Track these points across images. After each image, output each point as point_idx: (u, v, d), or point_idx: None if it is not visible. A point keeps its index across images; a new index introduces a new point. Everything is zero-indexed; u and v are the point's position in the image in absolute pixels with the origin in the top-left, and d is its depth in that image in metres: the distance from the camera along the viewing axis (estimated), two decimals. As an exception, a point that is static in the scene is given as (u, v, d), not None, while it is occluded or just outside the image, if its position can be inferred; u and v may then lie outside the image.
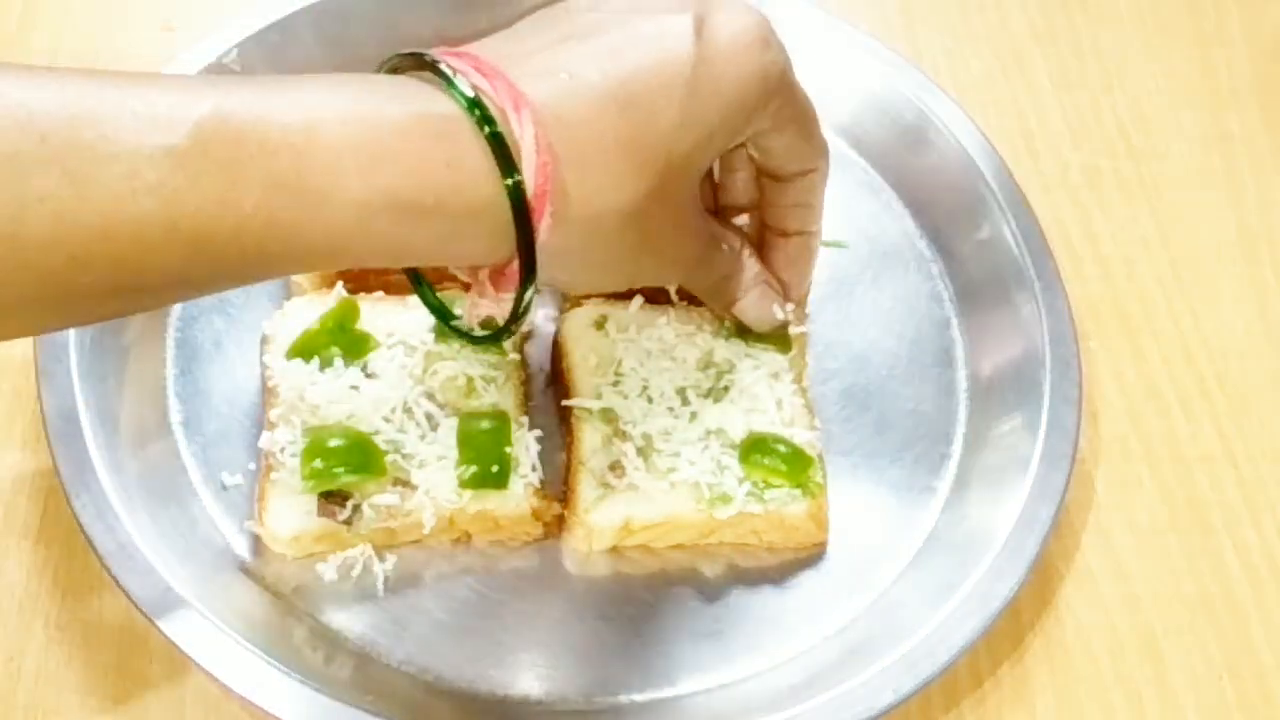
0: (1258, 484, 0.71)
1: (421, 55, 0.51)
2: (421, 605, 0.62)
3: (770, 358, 0.68)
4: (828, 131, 0.79)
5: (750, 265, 0.64)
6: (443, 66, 0.50)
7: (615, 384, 0.66)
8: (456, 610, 0.62)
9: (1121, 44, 0.88)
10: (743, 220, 0.66)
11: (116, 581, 0.58)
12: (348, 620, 0.62)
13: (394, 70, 0.53)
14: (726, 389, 0.67)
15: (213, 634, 0.57)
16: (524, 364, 0.68)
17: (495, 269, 0.54)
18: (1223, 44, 0.88)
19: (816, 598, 0.65)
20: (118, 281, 0.46)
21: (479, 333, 0.58)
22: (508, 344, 0.67)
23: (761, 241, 0.65)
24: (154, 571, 0.59)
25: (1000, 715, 0.63)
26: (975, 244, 0.75)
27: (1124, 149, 0.83)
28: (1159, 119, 0.85)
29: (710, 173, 0.65)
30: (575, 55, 0.52)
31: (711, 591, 0.64)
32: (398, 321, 0.67)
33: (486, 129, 0.49)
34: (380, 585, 0.62)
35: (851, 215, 0.77)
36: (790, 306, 0.66)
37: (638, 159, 0.52)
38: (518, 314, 0.55)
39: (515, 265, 0.52)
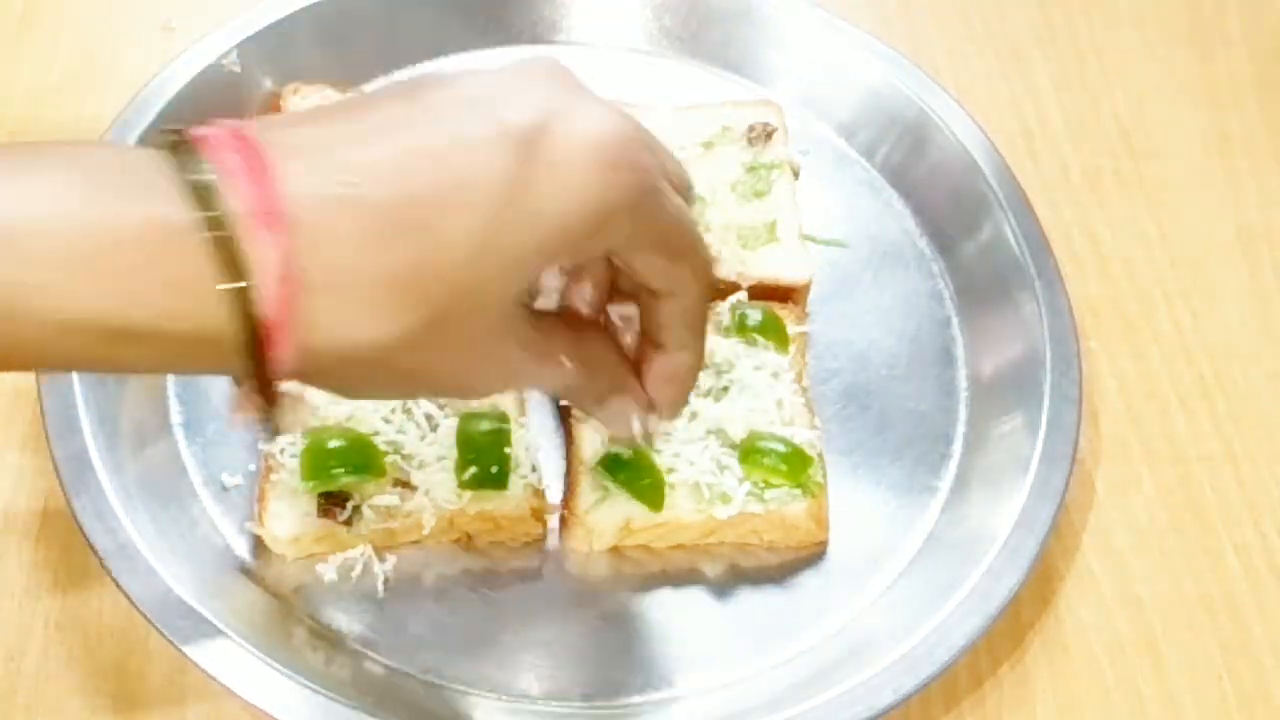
0: (1258, 484, 0.71)
1: (185, 135, 0.45)
2: (421, 606, 0.62)
3: (770, 358, 0.68)
4: (828, 131, 0.80)
5: (602, 376, 0.55)
6: (198, 160, 0.44)
7: (615, 384, 0.66)
8: (456, 610, 0.62)
9: (1121, 44, 0.88)
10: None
11: (116, 581, 0.58)
12: (348, 620, 0.62)
13: (165, 145, 0.45)
14: (726, 389, 0.67)
15: (213, 634, 0.57)
16: (524, 364, 0.68)
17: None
18: (1223, 44, 0.88)
19: (816, 598, 0.65)
20: None
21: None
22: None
23: (640, 354, 0.56)
24: (154, 571, 0.59)
25: (1000, 715, 0.63)
26: (976, 243, 0.75)
27: (1124, 149, 0.83)
28: (1159, 119, 0.85)
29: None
30: (373, 158, 0.45)
31: (712, 591, 0.64)
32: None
33: (218, 252, 0.43)
34: (380, 586, 0.62)
35: (851, 215, 0.77)
36: (653, 421, 0.57)
37: (409, 293, 0.45)
38: (269, 412, 0.49)
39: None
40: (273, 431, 0.54)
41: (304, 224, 0.44)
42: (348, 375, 0.48)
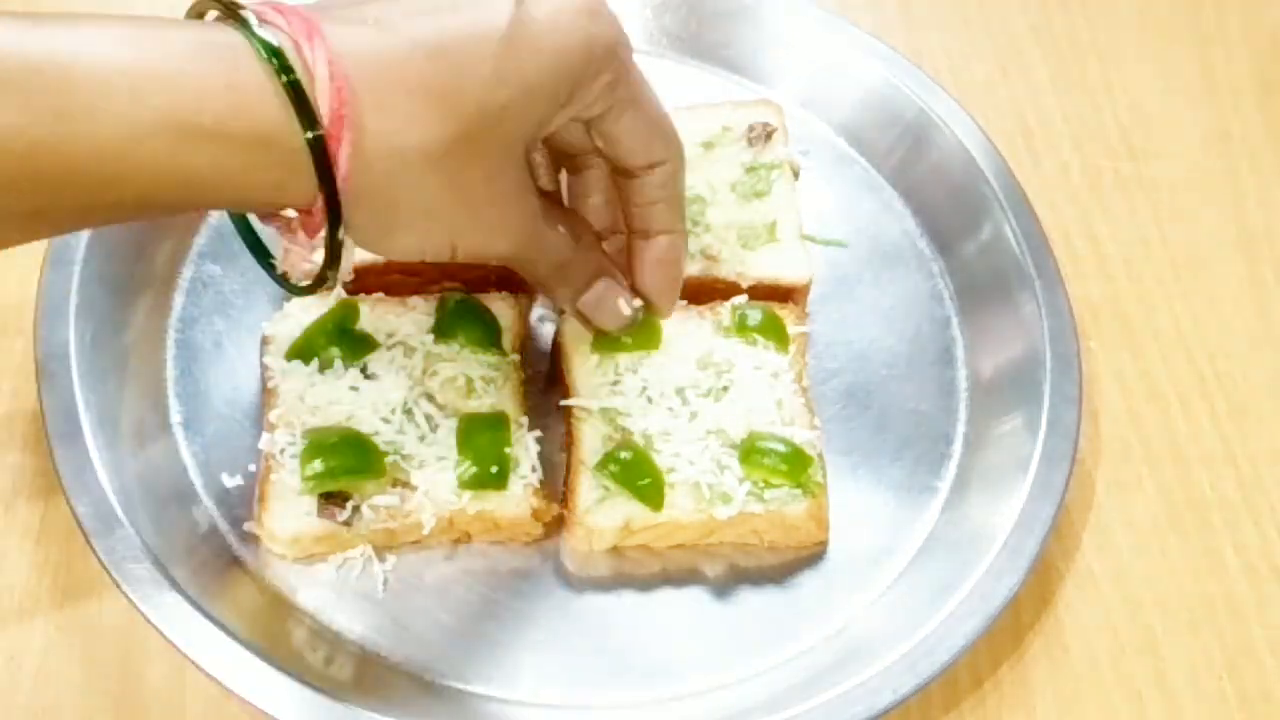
0: (1258, 484, 0.71)
1: (223, 2, 0.50)
2: (421, 605, 0.62)
3: (770, 358, 0.68)
4: (828, 131, 0.80)
5: (593, 257, 0.61)
6: (239, 8, 0.49)
7: (615, 384, 0.66)
8: (456, 610, 0.62)
9: (1121, 44, 0.88)
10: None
11: (116, 582, 0.58)
12: (348, 620, 0.62)
13: (199, 14, 0.51)
14: (726, 389, 0.67)
15: (213, 634, 0.57)
16: (524, 364, 0.68)
17: (303, 212, 0.52)
18: (1223, 44, 0.88)
19: (816, 598, 0.65)
20: None
21: (301, 283, 0.56)
22: (507, 344, 0.67)
23: (629, 250, 0.62)
24: (154, 571, 0.59)
25: (1000, 715, 0.63)
26: (976, 243, 0.75)
27: (1124, 149, 0.83)
28: (1159, 119, 0.85)
29: (557, 172, 0.63)
30: (387, 7, 0.52)
31: (712, 591, 0.64)
32: (398, 322, 0.67)
33: (267, 53, 0.48)
34: (380, 586, 0.63)
35: (852, 214, 0.77)
36: (638, 303, 0.62)
37: (443, 103, 0.51)
38: (331, 260, 0.53)
39: (320, 205, 0.50)
40: (331, 277, 0.54)
41: (344, 44, 0.49)
42: (397, 191, 0.52)
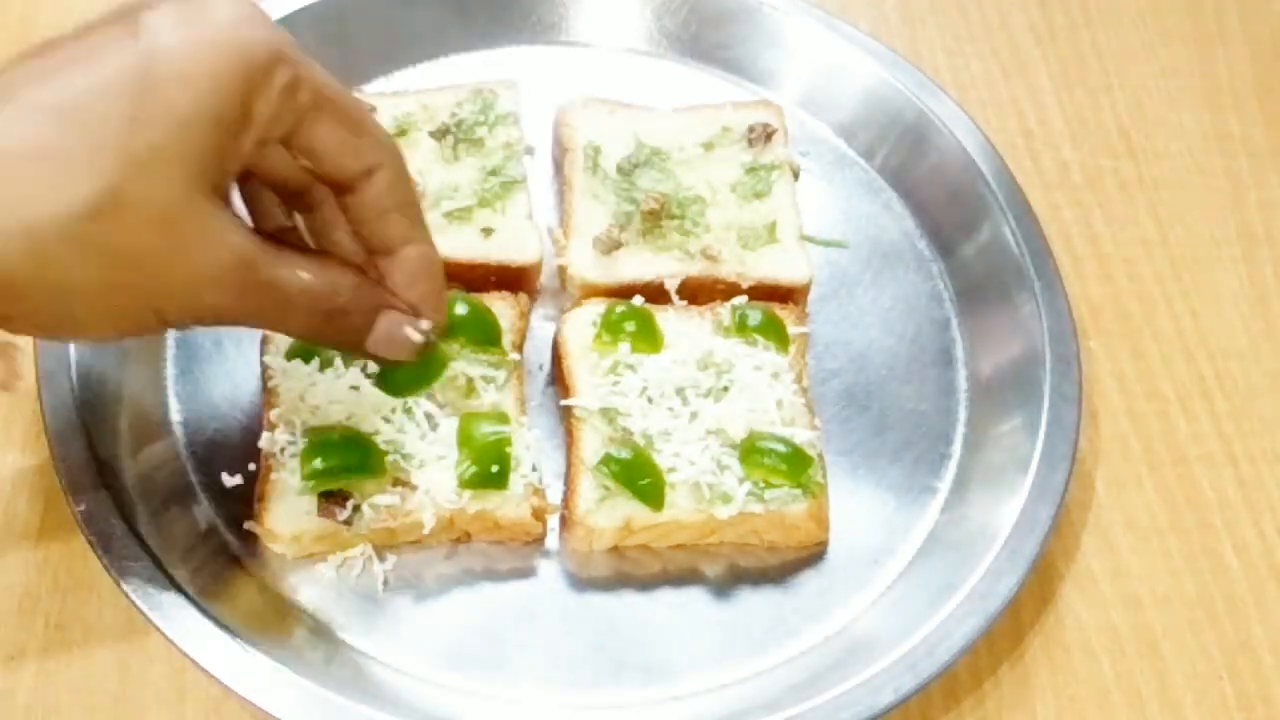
0: (1258, 484, 0.71)
1: None
2: (422, 605, 0.62)
3: (770, 358, 0.68)
4: (828, 131, 0.80)
5: (363, 294, 0.55)
6: None
7: (615, 384, 0.66)
8: (456, 610, 0.62)
9: (1121, 44, 0.88)
10: None
11: (116, 582, 0.58)
12: (348, 620, 0.62)
13: None
14: (726, 389, 0.67)
15: (213, 634, 0.57)
16: (524, 364, 0.68)
17: None
18: (1223, 44, 0.88)
19: (817, 598, 0.65)
20: None
21: None
22: (507, 344, 0.67)
23: (380, 273, 0.56)
24: (154, 571, 0.59)
25: (1000, 715, 0.63)
26: (975, 244, 0.75)
27: (1124, 149, 0.83)
28: (1159, 119, 0.85)
29: (289, 216, 0.57)
30: (21, 76, 0.48)
31: (712, 591, 0.64)
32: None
33: None
34: (380, 585, 0.62)
35: (851, 215, 0.77)
36: (425, 324, 0.57)
37: (79, 166, 0.47)
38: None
39: None
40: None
41: None
42: (50, 275, 0.47)
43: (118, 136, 0.47)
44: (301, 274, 0.53)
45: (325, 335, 0.56)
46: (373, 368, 0.64)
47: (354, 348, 0.57)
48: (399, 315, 0.56)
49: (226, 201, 0.51)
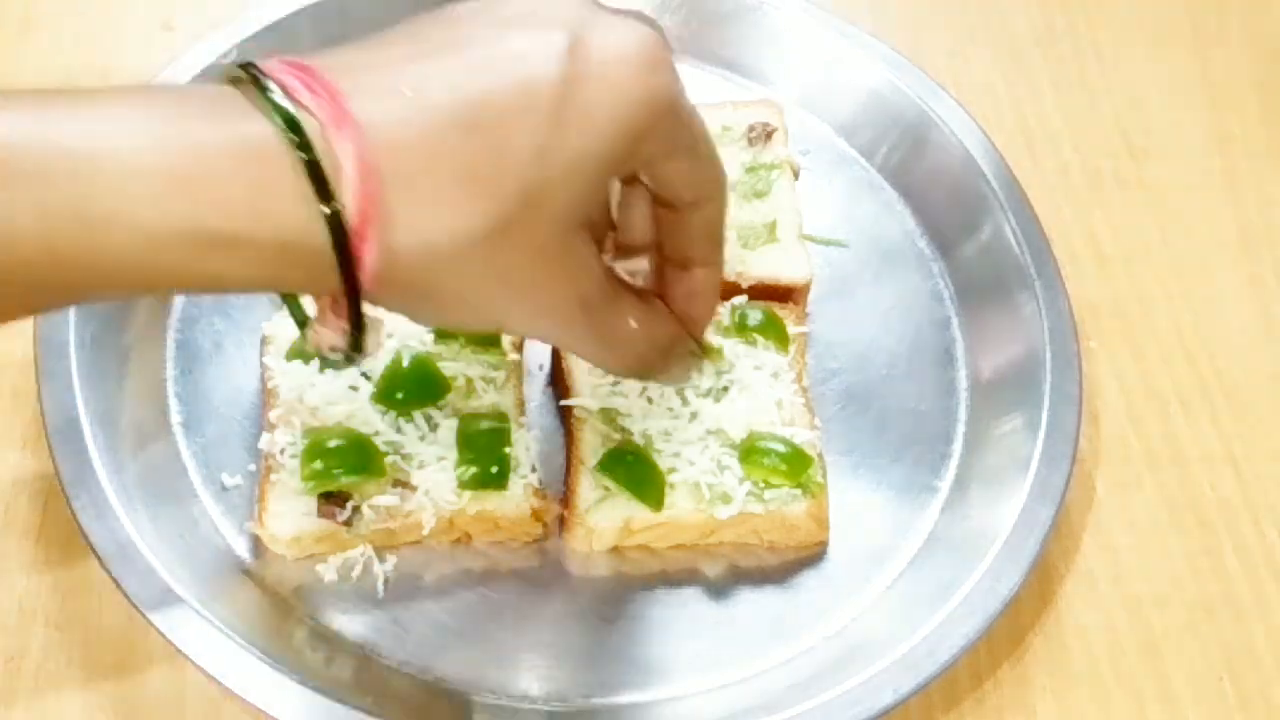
0: (1258, 484, 0.71)
1: (250, 66, 0.47)
2: (421, 606, 0.62)
3: (770, 358, 0.68)
4: (828, 131, 0.80)
5: (667, 325, 0.57)
6: (264, 80, 0.46)
7: (615, 384, 0.66)
8: (456, 611, 0.62)
9: (1121, 44, 0.88)
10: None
11: (116, 582, 0.58)
12: (348, 621, 0.62)
13: (231, 80, 0.47)
14: (726, 389, 0.67)
15: (213, 634, 0.57)
16: (524, 364, 0.68)
17: (332, 296, 0.49)
18: (1223, 44, 0.88)
19: (816, 598, 0.65)
20: None
21: (330, 357, 0.52)
22: (507, 344, 0.67)
23: (661, 276, 0.58)
24: (154, 571, 0.59)
25: (1000, 715, 0.63)
26: (976, 243, 0.75)
27: (1124, 149, 0.83)
28: (1159, 119, 0.85)
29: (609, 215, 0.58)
30: (426, 72, 0.47)
31: (712, 591, 0.64)
32: (398, 322, 0.67)
33: (300, 151, 0.45)
34: (380, 586, 0.62)
35: (852, 215, 0.77)
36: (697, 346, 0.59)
37: (481, 186, 0.47)
38: (354, 345, 0.50)
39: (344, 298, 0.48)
40: (358, 357, 0.51)
41: (374, 125, 0.45)
42: (432, 283, 0.48)
43: (522, 166, 0.47)
44: (630, 322, 0.54)
45: (627, 369, 0.57)
46: (375, 379, 0.64)
47: (641, 376, 0.60)
48: (687, 350, 0.58)
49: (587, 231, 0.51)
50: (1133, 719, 0.64)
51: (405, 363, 0.65)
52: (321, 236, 0.45)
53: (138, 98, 0.46)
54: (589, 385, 0.66)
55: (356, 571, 0.63)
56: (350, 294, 0.47)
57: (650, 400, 0.66)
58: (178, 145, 0.45)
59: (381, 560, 0.63)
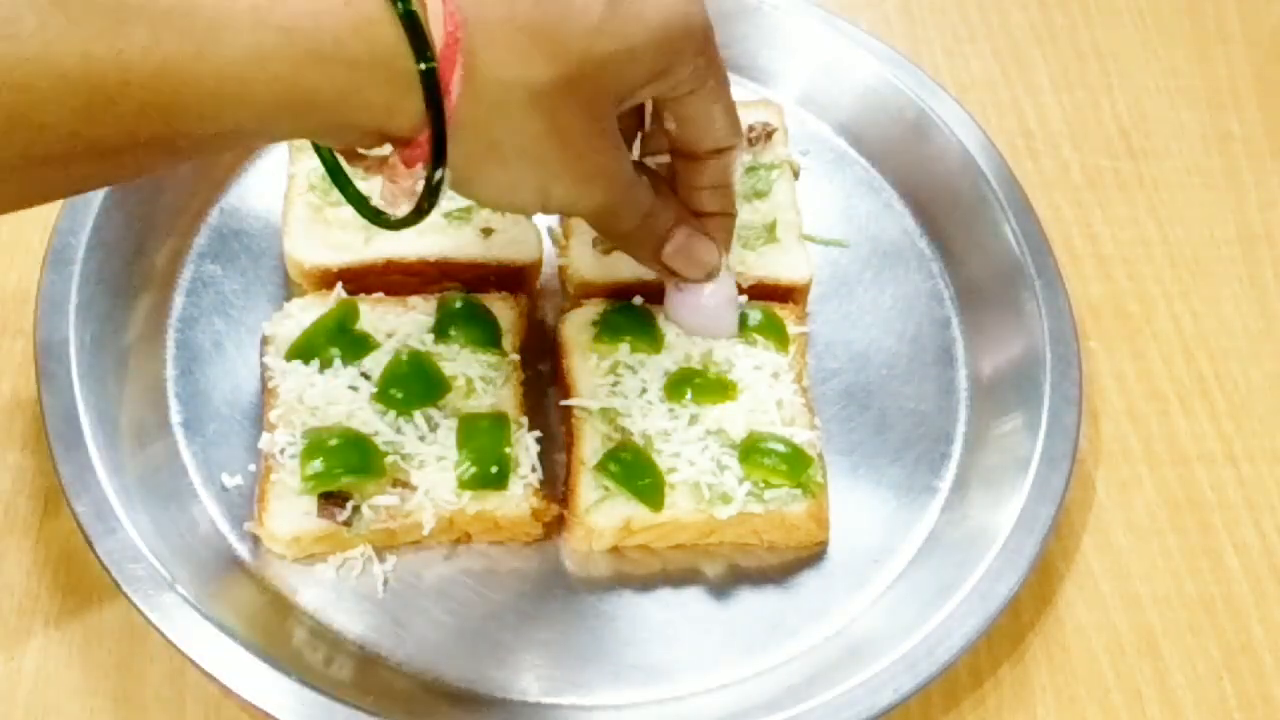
0: (1258, 484, 0.71)
1: None
2: (421, 606, 0.62)
3: (770, 358, 0.68)
4: (828, 131, 0.80)
5: (671, 205, 0.64)
6: None
7: (615, 384, 0.66)
8: (456, 610, 0.62)
9: (1121, 44, 0.88)
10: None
11: (116, 582, 0.58)
12: (348, 621, 0.62)
13: None
14: (727, 389, 0.67)
15: (213, 634, 0.57)
16: (524, 364, 0.68)
17: (404, 142, 0.52)
18: (1223, 44, 0.88)
19: (817, 598, 0.65)
20: (17, 143, 0.44)
21: (398, 216, 0.56)
22: (507, 344, 0.67)
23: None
24: (154, 571, 0.59)
25: (1000, 715, 0.63)
26: (976, 243, 0.75)
27: (1124, 149, 0.83)
28: (1159, 119, 0.85)
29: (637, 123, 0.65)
30: None
31: (712, 591, 0.64)
32: (397, 322, 0.67)
33: None
34: (380, 586, 0.62)
35: (852, 214, 0.77)
36: (725, 256, 0.66)
37: (550, 44, 0.53)
38: (431, 193, 0.53)
39: (425, 136, 0.51)
40: (426, 211, 0.54)
41: None
42: (498, 127, 0.53)
43: (584, 36, 0.54)
44: (646, 183, 0.62)
45: (634, 235, 0.63)
46: (375, 378, 0.64)
47: (650, 255, 0.64)
48: (696, 233, 0.64)
49: None
50: (1133, 719, 0.64)
51: (405, 363, 0.65)
52: (408, 58, 0.49)
53: None
54: (589, 385, 0.66)
55: (356, 571, 0.63)
56: (435, 121, 0.50)
57: (650, 400, 0.66)
58: None
59: (381, 560, 0.63)
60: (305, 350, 0.65)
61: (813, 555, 0.66)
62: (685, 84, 0.59)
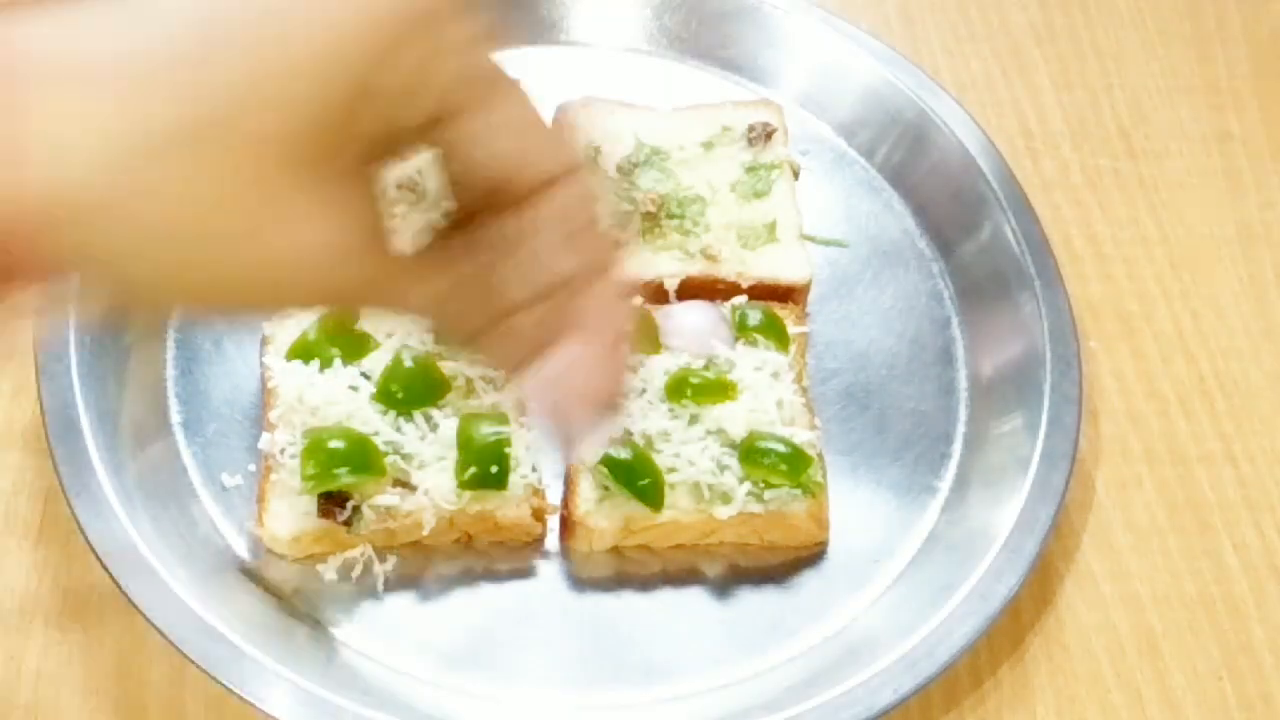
0: (1258, 484, 0.71)
1: None
2: (422, 605, 0.62)
3: (770, 358, 0.68)
4: (828, 131, 0.80)
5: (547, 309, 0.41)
6: None
7: (615, 384, 0.66)
8: (456, 610, 0.62)
9: (1121, 44, 0.88)
10: None
11: (116, 581, 0.58)
12: (348, 620, 0.62)
13: None
14: (727, 390, 0.67)
15: (213, 634, 0.57)
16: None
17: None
18: (1223, 43, 0.88)
19: (816, 598, 0.65)
20: None
21: None
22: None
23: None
24: (154, 571, 0.59)
25: (1000, 715, 0.63)
26: (975, 243, 0.75)
27: (1124, 149, 0.83)
28: (1159, 119, 0.85)
29: None
30: None
31: (712, 591, 0.64)
32: (397, 322, 0.67)
33: None
34: (380, 586, 0.62)
35: (851, 214, 0.77)
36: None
37: (169, 81, 0.37)
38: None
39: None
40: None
41: (17, 23, 0.36)
42: (112, 217, 0.37)
43: (230, 63, 0.37)
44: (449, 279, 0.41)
45: (461, 339, 0.43)
46: (375, 379, 0.64)
47: (502, 366, 0.45)
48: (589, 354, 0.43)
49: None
50: (1133, 719, 0.64)
51: (405, 363, 0.65)
52: None
53: None
54: (589, 385, 0.66)
55: (356, 571, 0.63)
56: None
57: (650, 401, 0.66)
58: None
59: (382, 560, 0.63)
60: (305, 350, 0.65)
61: (813, 555, 0.66)
62: (411, 104, 0.39)
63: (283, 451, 0.63)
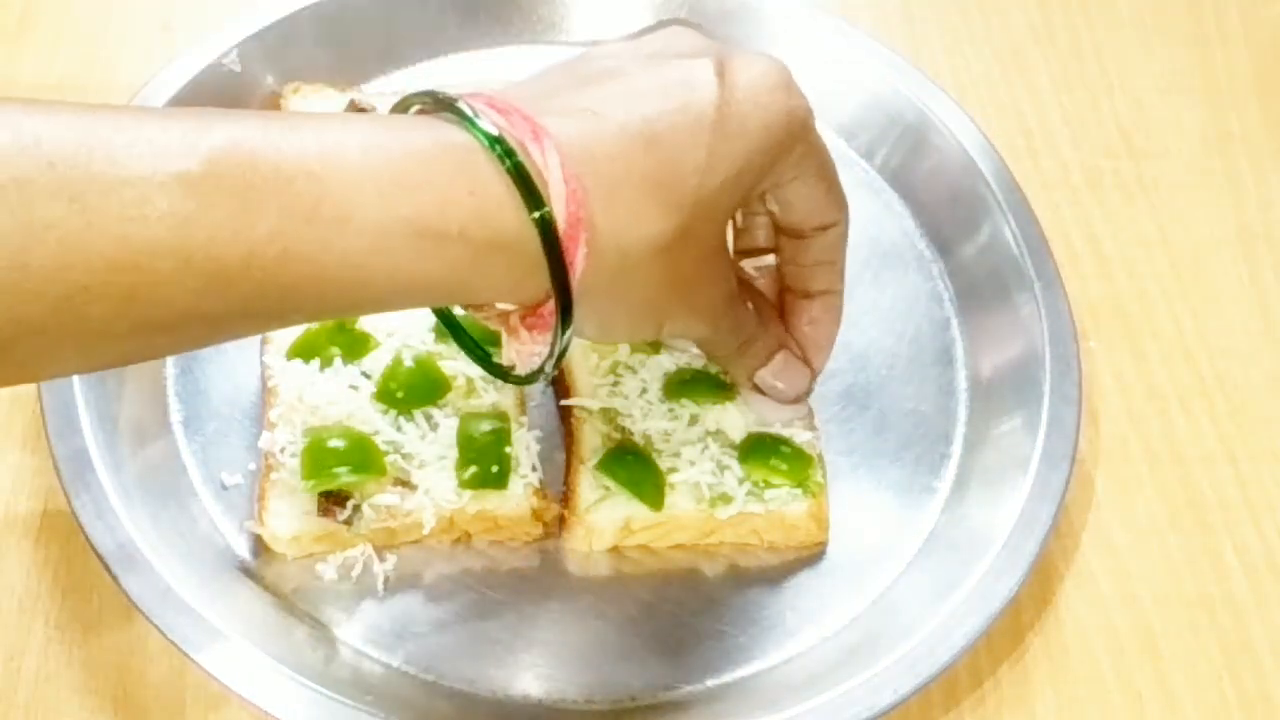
0: (1258, 484, 0.71)
1: (435, 93, 0.50)
2: (422, 605, 0.62)
3: (770, 358, 0.68)
4: (827, 131, 0.80)
5: (773, 330, 0.63)
6: (460, 104, 0.49)
7: (615, 384, 0.66)
8: (456, 610, 0.62)
9: (1121, 44, 0.88)
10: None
11: (116, 581, 0.58)
12: (348, 620, 0.62)
13: (406, 108, 0.52)
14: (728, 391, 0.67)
15: (213, 634, 0.57)
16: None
17: (527, 310, 0.52)
18: (1223, 44, 0.88)
19: (816, 598, 0.65)
20: (131, 316, 0.45)
21: (522, 373, 0.55)
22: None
23: (781, 306, 0.64)
24: (154, 571, 0.59)
25: (1000, 715, 0.63)
26: (975, 244, 0.75)
27: (1124, 149, 0.83)
28: (1159, 119, 0.85)
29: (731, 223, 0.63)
30: (598, 96, 0.51)
31: (712, 591, 0.64)
32: (398, 321, 0.67)
33: (507, 161, 0.48)
34: (380, 585, 0.62)
35: (851, 215, 0.77)
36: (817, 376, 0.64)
37: (665, 196, 0.51)
38: (557, 354, 0.53)
39: (550, 305, 0.51)
40: (551, 370, 0.54)
41: (569, 138, 0.49)
42: (622, 287, 0.52)
43: (695, 174, 0.52)
44: (749, 305, 0.61)
45: (732, 359, 0.63)
46: (375, 378, 0.64)
47: (743, 376, 0.64)
48: (795, 361, 0.63)
49: None
50: (1133, 719, 0.64)
51: (406, 362, 0.65)
52: (532, 240, 0.48)
53: (354, 118, 0.50)
54: (589, 385, 0.66)
55: (356, 571, 0.63)
56: (561, 295, 0.50)
57: (650, 400, 0.66)
58: (400, 151, 0.48)
59: (381, 560, 0.63)
60: (305, 349, 0.65)
61: (813, 555, 0.66)
62: (788, 173, 0.57)
63: (283, 450, 0.63)
